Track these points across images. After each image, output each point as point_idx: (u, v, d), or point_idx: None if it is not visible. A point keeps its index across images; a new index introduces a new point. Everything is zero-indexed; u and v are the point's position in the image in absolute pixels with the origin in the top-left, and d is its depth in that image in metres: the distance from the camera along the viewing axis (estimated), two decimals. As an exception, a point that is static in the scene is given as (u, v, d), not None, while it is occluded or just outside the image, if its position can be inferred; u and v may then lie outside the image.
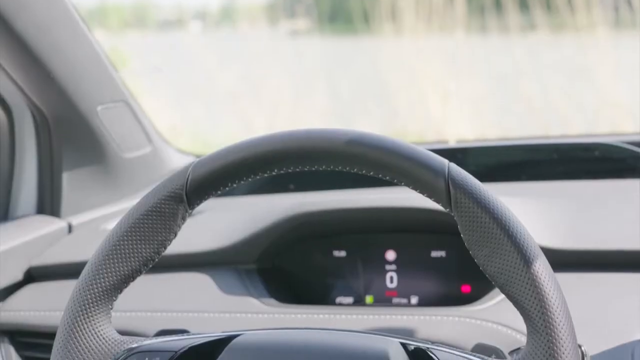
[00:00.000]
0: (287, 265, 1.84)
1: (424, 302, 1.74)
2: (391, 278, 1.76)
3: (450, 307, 1.57)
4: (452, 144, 2.46)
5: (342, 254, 1.80)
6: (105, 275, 1.11)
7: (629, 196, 1.83)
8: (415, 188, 1.04)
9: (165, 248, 1.14)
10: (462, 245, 1.06)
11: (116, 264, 1.11)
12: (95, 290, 1.11)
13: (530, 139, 2.48)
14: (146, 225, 1.11)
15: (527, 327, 0.98)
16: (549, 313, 0.95)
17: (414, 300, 1.75)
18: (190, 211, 1.12)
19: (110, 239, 1.12)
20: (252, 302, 1.69)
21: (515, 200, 1.53)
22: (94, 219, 2.28)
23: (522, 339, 1.41)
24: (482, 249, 1.00)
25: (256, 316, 1.65)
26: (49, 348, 1.15)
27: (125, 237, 1.11)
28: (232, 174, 1.09)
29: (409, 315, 1.56)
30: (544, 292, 0.96)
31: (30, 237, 2.07)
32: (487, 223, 0.99)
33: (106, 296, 1.12)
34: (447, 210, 1.02)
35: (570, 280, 1.37)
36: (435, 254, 1.74)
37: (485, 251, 1.00)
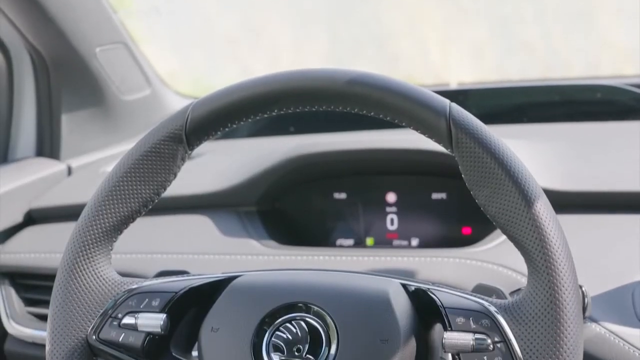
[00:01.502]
0: (288, 208, 1.83)
1: (424, 244, 1.74)
2: (392, 220, 1.76)
3: (451, 248, 1.57)
4: (454, 86, 2.44)
5: (343, 196, 1.80)
6: (105, 216, 1.11)
7: (631, 138, 1.82)
8: (416, 128, 1.03)
9: (164, 189, 1.13)
10: (463, 187, 1.05)
11: (115, 205, 1.11)
12: (95, 231, 1.11)
13: (531, 81, 2.46)
14: (145, 166, 1.10)
15: (528, 267, 0.97)
16: (550, 253, 0.94)
17: (415, 242, 1.75)
18: (189, 152, 1.11)
19: (110, 180, 1.11)
20: (252, 244, 1.69)
21: (516, 142, 1.52)
22: (94, 162, 2.27)
23: (522, 280, 1.40)
24: (483, 189, 0.99)
25: (256, 258, 1.65)
26: (49, 290, 1.15)
27: (124, 178, 1.10)
28: (232, 114, 1.08)
29: (409, 257, 1.55)
30: (545, 232, 0.95)
31: (29, 180, 2.06)
32: (488, 163, 0.98)
33: (106, 237, 1.12)
34: (448, 150, 1.01)
35: (571, 222, 1.36)
36: (436, 196, 1.73)
37: (486, 191, 0.99)
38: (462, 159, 1.00)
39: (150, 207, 1.14)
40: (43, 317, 1.84)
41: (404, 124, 1.03)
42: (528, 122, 2.15)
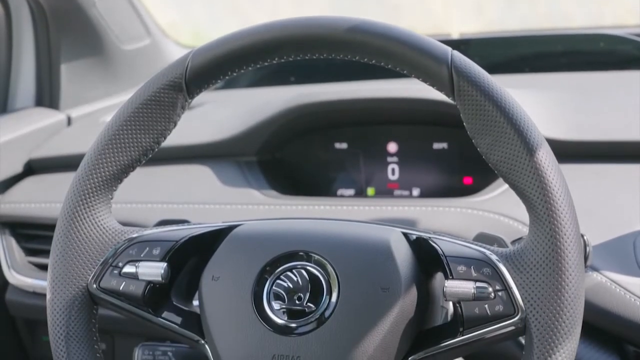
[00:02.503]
0: (288, 158, 1.83)
1: (425, 194, 1.74)
2: (393, 170, 1.75)
3: (452, 198, 1.57)
4: (455, 36, 2.43)
5: (344, 146, 1.79)
6: (105, 164, 1.10)
7: (633, 87, 1.81)
8: (417, 76, 1.02)
9: (164, 138, 1.12)
10: (464, 137, 1.05)
11: (115, 154, 1.10)
12: (95, 179, 1.10)
13: (534, 31, 2.45)
14: (145, 114, 1.09)
15: (530, 215, 0.97)
16: (551, 201, 0.94)
17: (416, 192, 1.74)
18: (189, 100, 1.10)
19: (109, 128, 1.11)
20: (253, 194, 1.69)
21: (518, 92, 1.51)
22: (93, 112, 2.27)
23: (524, 230, 1.40)
24: (484, 138, 0.99)
25: (257, 207, 1.65)
26: (49, 239, 1.15)
27: (124, 127, 1.10)
28: (232, 62, 1.07)
29: (410, 207, 1.55)
30: (547, 179, 0.94)
31: (29, 130, 2.06)
32: (490, 111, 0.97)
33: (106, 186, 1.11)
34: (450, 98, 1.00)
35: (573, 172, 1.36)
36: (437, 145, 1.73)
37: (488, 139, 0.98)
38: (464, 107, 0.99)
39: (150, 156, 1.13)
40: (44, 267, 1.85)
41: (405, 72, 1.02)
42: (530, 72, 2.14)
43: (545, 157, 0.95)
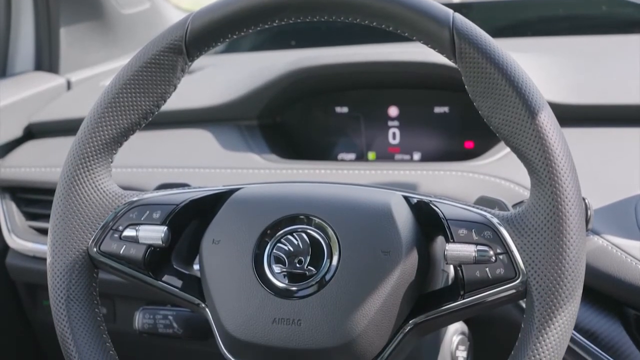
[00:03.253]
0: (289, 122, 1.82)
1: (426, 158, 1.73)
2: (394, 134, 1.75)
3: (453, 162, 1.56)
4: (456, 0, 2.41)
5: (344, 110, 1.78)
6: (105, 127, 1.10)
7: (635, 51, 1.81)
8: (419, 39, 1.01)
9: (164, 101, 1.12)
10: (465, 101, 1.04)
11: (115, 117, 1.10)
12: (95, 142, 1.10)
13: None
14: (145, 77, 1.09)
15: (531, 178, 0.97)
16: (553, 163, 0.93)
17: (417, 156, 1.74)
18: (189, 63, 1.10)
19: (109, 91, 1.10)
20: (253, 158, 1.69)
21: (520, 55, 1.50)
22: (93, 76, 2.26)
23: (525, 194, 1.40)
24: (486, 101, 0.98)
25: (257, 171, 1.64)
26: (49, 204, 1.15)
27: (123, 90, 1.09)
28: (232, 25, 1.06)
29: (411, 171, 1.55)
30: (549, 142, 0.94)
31: (28, 94, 2.05)
32: (491, 73, 0.96)
33: (106, 149, 1.11)
34: (452, 61, 1.00)
35: (575, 135, 1.34)
36: (438, 109, 1.72)
37: (489, 102, 0.98)
38: (466, 70, 0.98)
39: (150, 119, 1.13)
40: (44, 231, 1.85)
41: (406, 34, 1.01)
42: (532, 36, 2.13)
43: (547, 119, 0.95)
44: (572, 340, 1.32)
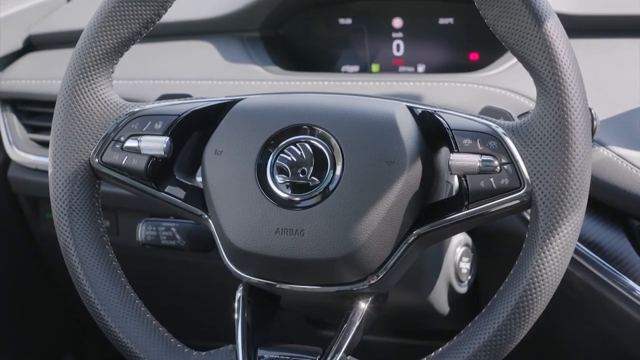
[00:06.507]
0: (292, 34, 1.80)
1: (431, 70, 1.72)
2: (398, 46, 1.73)
3: (458, 73, 1.55)
4: None
5: (348, 21, 1.76)
6: (105, 37, 1.09)
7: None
8: None
9: (165, 10, 1.10)
10: (471, 11, 1.02)
11: (116, 26, 1.08)
12: (95, 52, 1.09)
13: None
14: None
15: (537, 88, 0.96)
16: (559, 73, 0.92)
17: (421, 68, 1.72)
18: None
19: (109, 0, 1.09)
20: (256, 70, 1.67)
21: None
22: (93, -13, 2.23)
23: (530, 105, 1.39)
24: (492, 8, 0.96)
25: (260, 83, 1.63)
26: (51, 116, 1.14)
27: None
28: None
29: (415, 82, 1.54)
30: (556, 51, 0.93)
31: (28, 5, 2.03)
32: None
33: (106, 59, 1.10)
34: None
35: (581, 46, 1.32)
36: (443, 21, 1.70)
37: (495, 10, 0.96)
38: (472, -23, 0.96)
39: (151, 28, 1.12)
40: (45, 144, 1.84)
41: None
42: None
43: (554, 28, 0.93)
44: (576, 251, 1.32)
